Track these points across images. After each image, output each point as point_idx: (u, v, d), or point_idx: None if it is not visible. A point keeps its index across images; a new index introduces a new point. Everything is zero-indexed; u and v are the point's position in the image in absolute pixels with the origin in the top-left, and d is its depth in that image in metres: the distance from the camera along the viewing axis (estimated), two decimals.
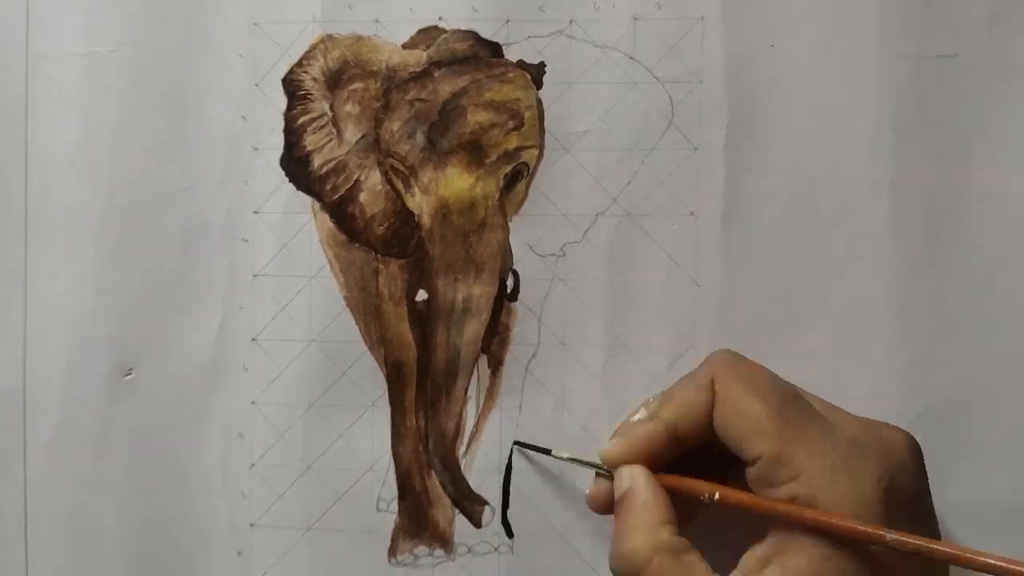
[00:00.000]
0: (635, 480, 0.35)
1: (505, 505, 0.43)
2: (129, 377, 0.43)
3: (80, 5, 0.43)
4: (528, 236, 0.42)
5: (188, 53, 0.43)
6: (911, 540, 0.31)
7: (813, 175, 0.42)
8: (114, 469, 0.43)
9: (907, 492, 0.34)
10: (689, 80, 0.42)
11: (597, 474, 0.38)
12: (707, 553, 0.34)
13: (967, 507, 0.41)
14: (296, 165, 0.43)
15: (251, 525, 0.43)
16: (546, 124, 0.42)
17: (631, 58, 0.42)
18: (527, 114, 0.42)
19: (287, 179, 0.43)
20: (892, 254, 0.41)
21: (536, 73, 0.42)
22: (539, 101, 0.42)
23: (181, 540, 0.43)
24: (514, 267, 0.43)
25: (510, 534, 0.43)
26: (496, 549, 0.43)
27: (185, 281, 0.43)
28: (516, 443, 0.42)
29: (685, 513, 0.36)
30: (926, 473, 0.35)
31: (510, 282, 0.43)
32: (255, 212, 0.43)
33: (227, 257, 0.43)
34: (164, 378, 0.43)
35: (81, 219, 0.43)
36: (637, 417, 0.38)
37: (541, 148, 0.42)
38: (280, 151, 0.43)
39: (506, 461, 0.43)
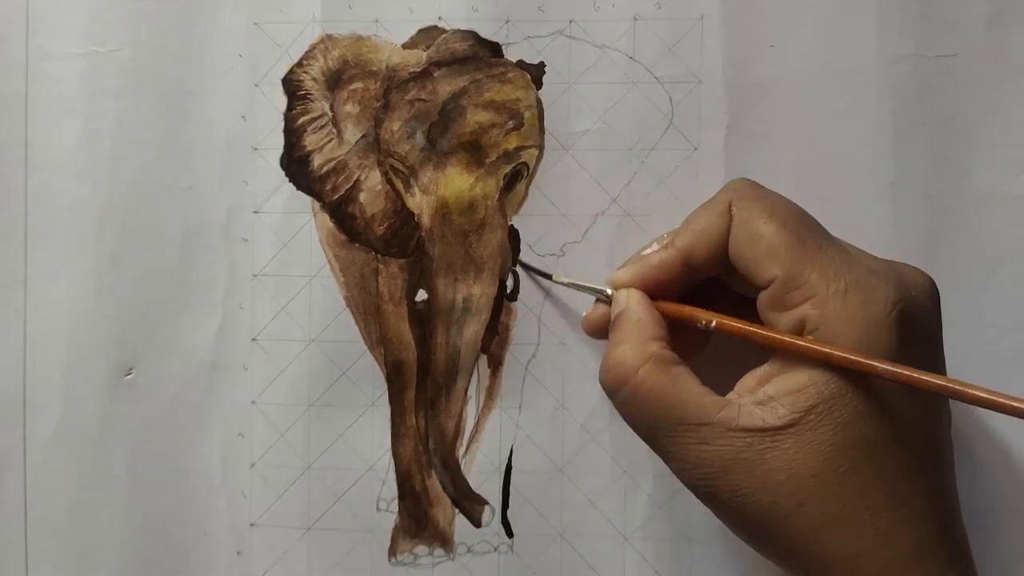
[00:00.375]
0: (629, 300, 0.35)
1: (505, 505, 0.43)
2: (129, 377, 0.43)
3: (80, 5, 0.43)
4: (528, 236, 0.42)
5: (188, 53, 0.43)
6: (903, 371, 0.30)
7: (813, 175, 0.42)
8: (114, 469, 0.43)
9: (920, 326, 0.33)
10: (689, 80, 0.42)
11: (597, 300, 0.38)
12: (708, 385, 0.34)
13: (966, 506, 0.41)
14: (296, 165, 0.43)
15: (251, 525, 0.43)
16: (546, 124, 0.42)
17: (631, 58, 0.42)
18: (527, 114, 0.42)
19: (287, 179, 0.43)
20: (892, 254, 0.41)
21: (536, 73, 0.42)
22: (539, 101, 0.42)
23: (181, 540, 0.43)
24: (515, 266, 0.43)
25: (510, 534, 0.43)
26: (496, 549, 0.43)
27: (185, 281, 0.43)
28: (520, 263, 0.42)
29: (689, 348, 0.36)
30: (940, 317, 0.34)
31: (510, 282, 0.43)
32: (255, 212, 0.43)
33: (227, 257, 0.43)
34: (164, 378, 0.43)
35: (81, 219, 0.43)
36: (649, 250, 0.37)
37: (541, 148, 0.42)
38: (280, 151, 0.43)
39: (506, 461, 0.43)
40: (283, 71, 0.43)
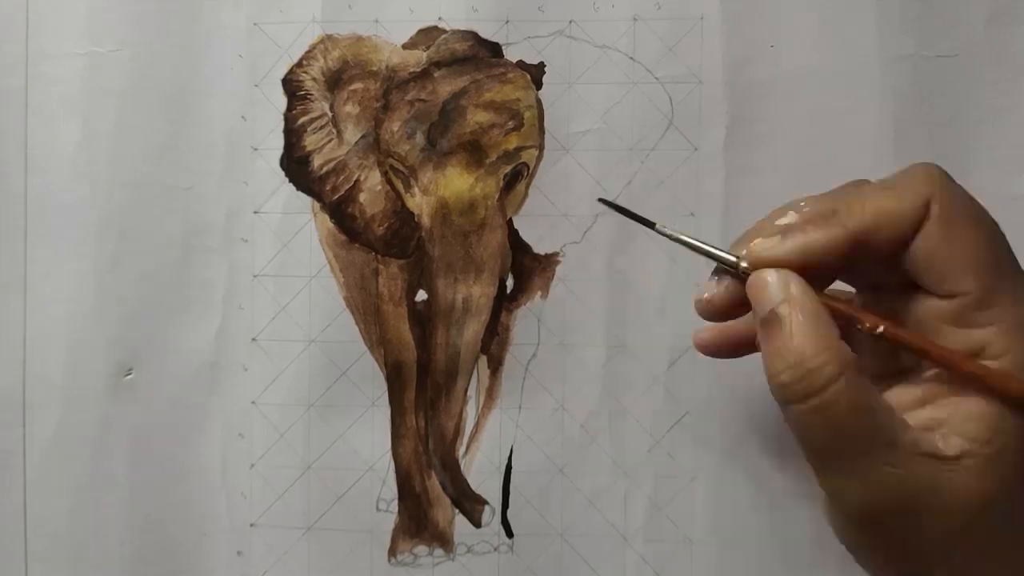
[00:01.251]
0: (795, 287, 0.29)
1: (505, 505, 0.43)
2: (129, 377, 0.43)
3: (80, 5, 0.43)
4: (528, 236, 0.42)
5: (188, 53, 0.43)
6: None
7: (813, 175, 0.41)
8: (114, 469, 0.43)
9: None
10: (689, 80, 0.42)
11: (719, 273, 0.31)
12: None
13: None
14: (296, 165, 0.43)
15: (251, 525, 0.43)
16: (546, 124, 0.42)
17: (631, 58, 0.42)
18: (527, 114, 0.42)
19: (287, 179, 0.43)
20: None
21: (536, 73, 0.42)
22: (539, 101, 0.42)
23: (181, 540, 0.43)
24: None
25: (510, 534, 0.43)
26: (496, 549, 0.43)
27: (185, 281, 0.43)
28: (613, 204, 0.34)
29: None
30: None
31: (510, 282, 0.43)
32: (255, 212, 0.43)
33: (227, 257, 0.43)
34: (164, 378, 0.43)
35: (81, 219, 0.43)
36: (786, 220, 0.30)
37: (541, 148, 0.42)
38: (280, 151, 0.43)
39: (506, 461, 0.43)
40: (283, 71, 0.43)
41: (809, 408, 0.28)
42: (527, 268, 0.42)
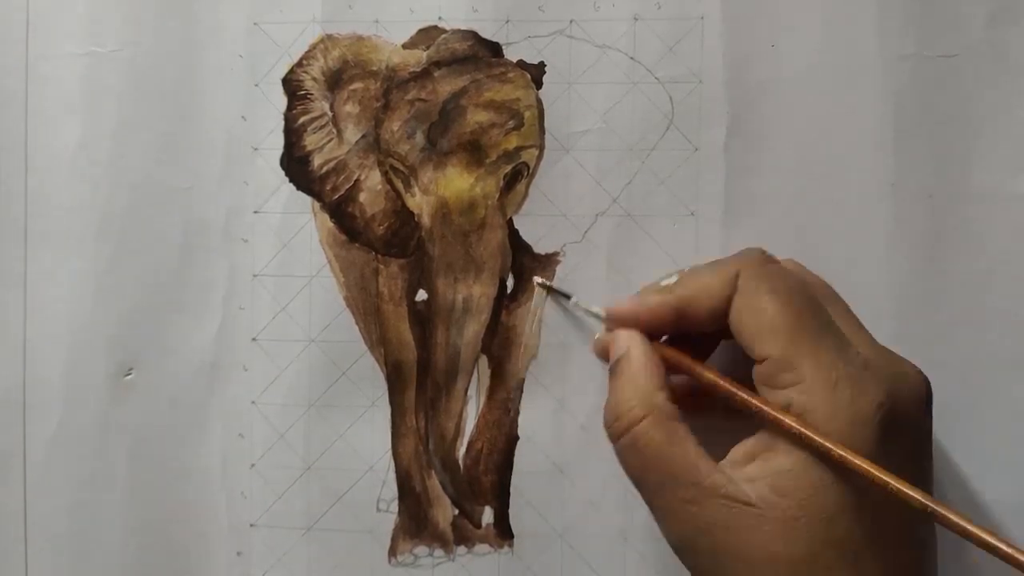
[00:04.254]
0: (631, 346, 0.36)
1: (505, 505, 0.43)
2: (129, 377, 0.43)
3: (80, 5, 0.43)
4: (528, 236, 0.42)
5: (188, 53, 0.43)
6: (875, 472, 0.30)
7: (813, 175, 0.42)
8: (114, 469, 0.43)
9: (907, 429, 0.33)
10: (689, 80, 0.42)
11: (606, 327, 0.39)
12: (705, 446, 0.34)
13: (967, 507, 0.41)
14: (296, 165, 0.43)
15: (251, 525, 0.43)
16: (546, 124, 0.42)
17: (631, 58, 0.42)
18: (527, 114, 0.42)
19: (287, 179, 0.43)
20: (892, 254, 0.41)
21: (536, 73, 0.42)
22: (539, 101, 0.42)
23: (181, 540, 0.43)
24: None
25: (510, 535, 0.43)
26: (496, 549, 0.43)
27: (185, 281, 0.43)
28: (539, 283, 0.42)
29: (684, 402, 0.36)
30: (931, 422, 0.35)
31: (510, 282, 0.43)
32: (255, 212, 0.43)
33: (227, 257, 0.43)
34: (164, 378, 0.43)
35: (81, 219, 0.43)
36: (667, 281, 0.37)
37: (541, 148, 0.42)
38: (280, 151, 0.43)
39: (506, 461, 0.43)
40: (283, 71, 0.43)
41: (621, 445, 0.35)
42: (527, 268, 0.42)
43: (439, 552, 0.43)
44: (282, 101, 0.43)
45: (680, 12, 0.42)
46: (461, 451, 0.43)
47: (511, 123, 0.42)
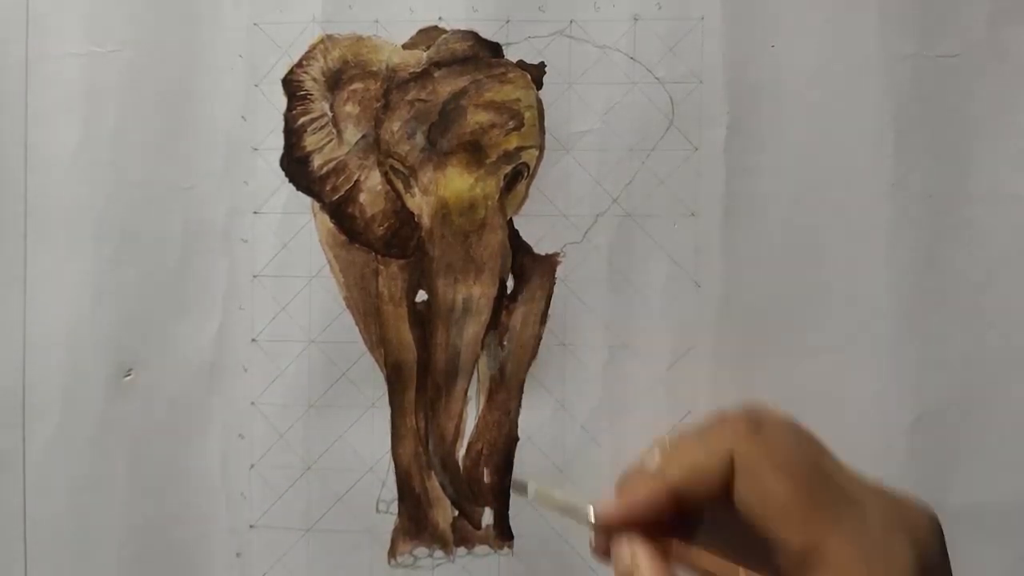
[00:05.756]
0: (637, 559, 0.32)
1: (505, 506, 0.43)
2: (129, 377, 0.43)
3: (80, 5, 0.43)
4: (528, 236, 0.42)
5: (188, 53, 0.43)
6: None
7: (813, 175, 0.42)
8: (114, 469, 0.43)
9: (936, 574, 0.31)
10: (689, 80, 0.42)
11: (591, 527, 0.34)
12: None
13: (968, 508, 0.41)
14: (296, 165, 0.43)
15: (251, 526, 0.43)
16: (546, 124, 0.42)
17: (631, 58, 0.42)
18: (527, 114, 0.42)
19: (287, 179, 0.43)
20: (892, 254, 0.41)
21: (536, 73, 0.42)
22: (539, 101, 0.42)
23: (181, 540, 0.43)
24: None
25: (510, 535, 0.43)
26: (496, 550, 0.43)
27: (185, 281, 0.43)
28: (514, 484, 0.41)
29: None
30: (947, 551, 0.33)
31: (510, 283, 0.43)
32: (255, 212, 0.43)
33: (227, 257, 0.43)
34: (164, 378, 0.43)
35: (81, 219, 0.43)
36: (650, 463, 0.34)
37: (541, 148, 0.42)
38: (280, 151, 0.43)
39: (506, 461, 0.43)
40: (283, 71, 0.43)
41: None
42: (527, 268, 0.42)
43: (439, 553, 0.43)
44: (282, 101, 0.43)
45: (680, 12, 0.42)
46: (461, 452, 0.43)
47: (511, 123, 0.42)
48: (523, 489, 0.34)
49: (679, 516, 0.33)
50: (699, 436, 0.33)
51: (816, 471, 0.32)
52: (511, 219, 0.43)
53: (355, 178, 0.43)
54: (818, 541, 0.30)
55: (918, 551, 0.30)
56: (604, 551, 0.34)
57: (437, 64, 0.42)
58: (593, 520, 0.33)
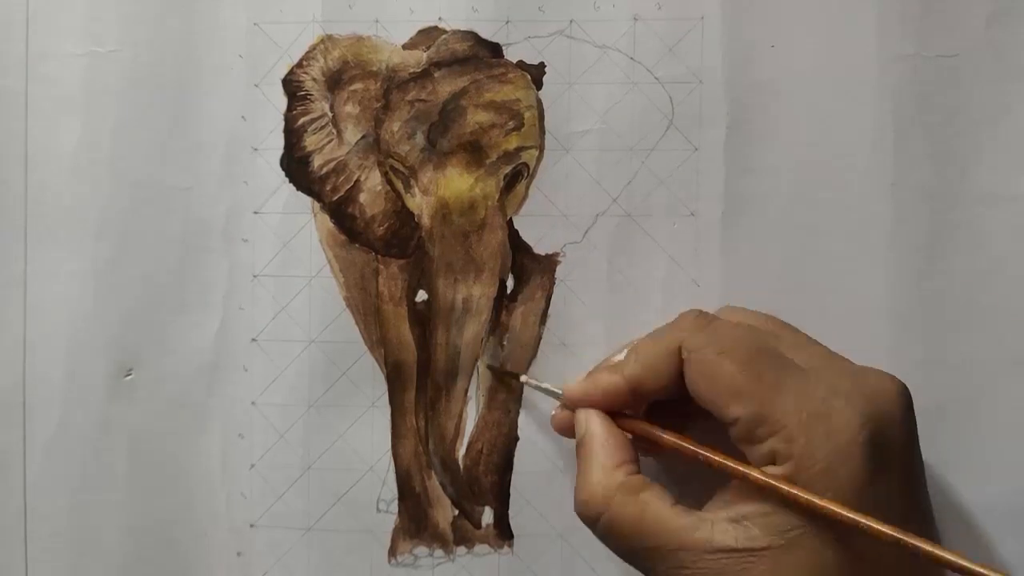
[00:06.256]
0: (589, 425, 0.36)
1: (505, 505, 0.43)
2: (129, 377, 0.43)
3: (80, 5, 0.43)
4: (528, 236, 0.42)
5: (188, 53, 0.43)
6: (856, 518, 0.30)
7: (813, 175, 0.42)
8: (114, 469, 0.43)
9: (893, 444, 0.32)
10: (689, 80, 0.42)
11: (561, 404, 0.39)
12: (679, 483, 0.35)
13: (968, 507, 0.41)
14: (296, 165, 0.43)
15: (251, 526, 0.43)
16: (546, 124, 0.42)
17: (631, 58, 0.42)
18: (527, 114, 0.42)
19: (287, 179, 0.43)
20: (892, 254, 0.41)
21: (536, 73, 0.42)
22: (539, 101, 0.42)
23: (181, 540, 0.43)
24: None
25: (510, 535, 0.43)
26: (496, 550, 0.43)
27: (185, 281, 0.43)
28: (488, 366, 0.43)
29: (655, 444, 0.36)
30: (915, 424, 0.34)
31: (510, 283, 0.43)
32: (255, 212, 0.43)
33: (227, 257, 0.43)
34: (164, 378, 0.43)
35: (81, 219, 0.43)
36: (617, 357, 0.38)
37: (541, 148, 0.42)
38: (280, 151, 0.43)
39: (506, 461, 0.43)
40: (283, 71, 0.43)
41: (598, 533, 0.35)
42: (527, 268, 0.42)
43: (439, 552, 0.43)
44: (282, 101, 0.43)
45: (680, 12, 0.42)
46: (461, 452, 0.43)
47: (511, 124, 0.42)
48: (513, 376, 0.42)
49: (645, 409, 0.37)
50: (656, 333, 0.37)
51: (762, 351, 0.34)
52: (511, 219, 0.43)
53: (355, 178, 0.43)
54: (763, 410, 0.32)
55: (869, 417, 0.31)
56: (561, 425, 0.39)
57: (437, 64, 0.42)
58: (561, 395, 0.38)
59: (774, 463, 0.32)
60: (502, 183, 0.42)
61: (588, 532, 0.42)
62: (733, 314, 0.37)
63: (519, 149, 0.42)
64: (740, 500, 0.32)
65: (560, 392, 0.39)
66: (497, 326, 0.43)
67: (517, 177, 0.43)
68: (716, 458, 0.33)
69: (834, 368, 0.34)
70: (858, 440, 0.31)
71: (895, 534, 0.30)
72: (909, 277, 0.41)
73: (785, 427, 0.31)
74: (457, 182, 0.42)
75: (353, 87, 0.43)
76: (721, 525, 0.32)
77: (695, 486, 0.35)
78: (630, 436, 0.37)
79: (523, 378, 0.41)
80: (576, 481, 0.36)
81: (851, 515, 0.30)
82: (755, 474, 0.32)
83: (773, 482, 0.31)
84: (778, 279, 0.42)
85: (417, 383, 0.43)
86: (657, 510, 0.33)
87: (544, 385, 0.40)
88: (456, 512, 0.43)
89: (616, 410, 0.37)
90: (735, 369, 0.33)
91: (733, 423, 0.33)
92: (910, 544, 0.29)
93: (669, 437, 0.35)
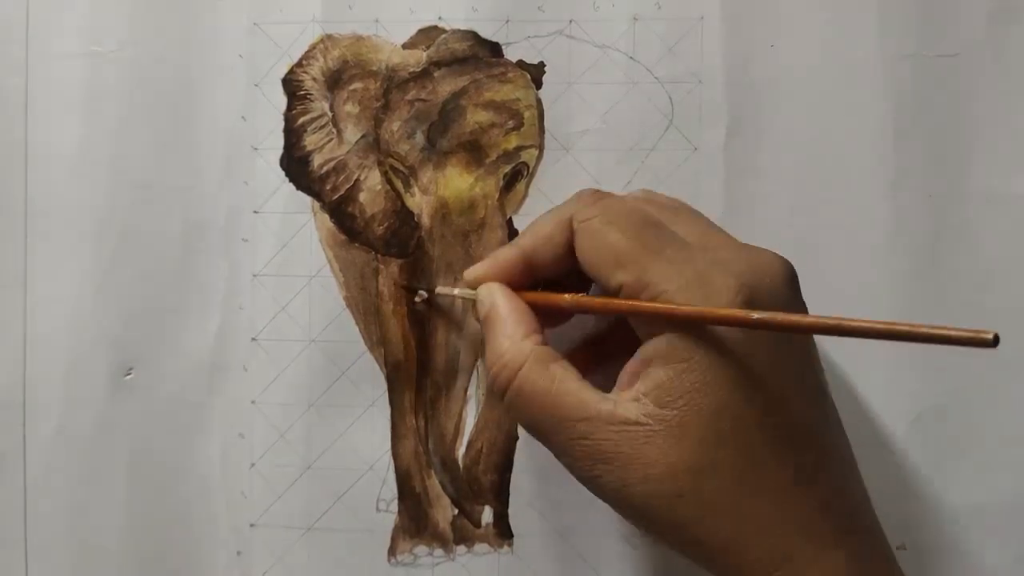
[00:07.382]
0: (494, 297, 0.37)
1: (505, 505, 0.43)
2: (129, 377, 0.43)
3: (80, 5, 0.43)
4: None
5: (188, 53, 0.43)
6: (774, 317, 0.30)
7: (813, 175, 0.42)
8: (114, 469, 0.43)
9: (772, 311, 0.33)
10: (689, 80, 0.42)
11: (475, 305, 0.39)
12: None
13: (967, 507, 0.41)
14: (296, 165, 0.43)
15: (251, 525, 0.43)
16: (546, 124, 0.42)
17: (631, 58, 0.42)
18: (527, 114, 0.42)
19: (287, 179, 0.43)
20: (892, 254, 0.41)
21: (536, 73, 0.42)
22: (539, 101, 0.42)
23: (181, 540, 0.43)
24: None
25: (510, 534, 0.43)
26: (496, 549, 0.43)
27: (185, 281, 0.43)
28: (402, 285, 0.43)
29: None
30: (802, 301, 0.35)
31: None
32: (255, 212, 0.43)
33: (227, 257, 0.43)
34: (164, 378, 0.43)
35: (81, 219, 0.43)
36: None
37: (541, 148, 0.42)
38: (280, 151, 0.43)
39: (506, 461, 0.43)
40: (283, 71, 0.43)
41: (507, 399, 0.35)
42: None
43: (439, 552, 0.43)
44: (282, 101, 0.43)
45: (680, 12, 0.42)
46: (461, 451, 0.43)
47: (511, 123, 0.42)
48: (428, 290, 0.42)
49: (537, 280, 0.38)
50: (551, 209, 0.38)
51: (647, 222, 0.35)
52: (511, 218, 0.43)
53: (355, 178, 0.43)
54: (643, 276, 0.33)
55: (746, 284, 0.32)
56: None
57: (437, 64, 0.42)
58: (464, 278, 0.39)
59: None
60: (502, 182, 0.42)
61: (588, 532, 0.42)
62: (634, 194, 0.39)
63: (519, 148, 0.42)
64: (636, 380, 0.33)
65: (471, 293, 0.39)
66: None
67: (517, 176, 0.43)
68: (616, 301, 0.34)
69: (718, 241, 0.35)
70: (735, 303, 0.32)
71: (819, 321, 0.31)
72: (909, 277, 0.41)
73: (665, 291, 0.32)
74: (457, 181, 0.42)
75: (353, 87, 0.43)
76: (624, 403, 0.32)
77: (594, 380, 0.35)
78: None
79: (438, 289, 0.42)
80: (486, 356, 0.36)
81: (758, 315, 0.31)
82: (655, 305, 0.32)
83: (673, 308, 0.32)
84: None
85: (417, 383, 0.43)
86: (565, 380, 0.34)
87: (455, 291, 0.40)
88: (456, 511, 0.43)
89: (515, 286, 0.37)
90: (620, 237, 0.34)
91: (617, 290, 0.34)
92: (830, 325, 0.30)
93: (570, 296, 0.36)
